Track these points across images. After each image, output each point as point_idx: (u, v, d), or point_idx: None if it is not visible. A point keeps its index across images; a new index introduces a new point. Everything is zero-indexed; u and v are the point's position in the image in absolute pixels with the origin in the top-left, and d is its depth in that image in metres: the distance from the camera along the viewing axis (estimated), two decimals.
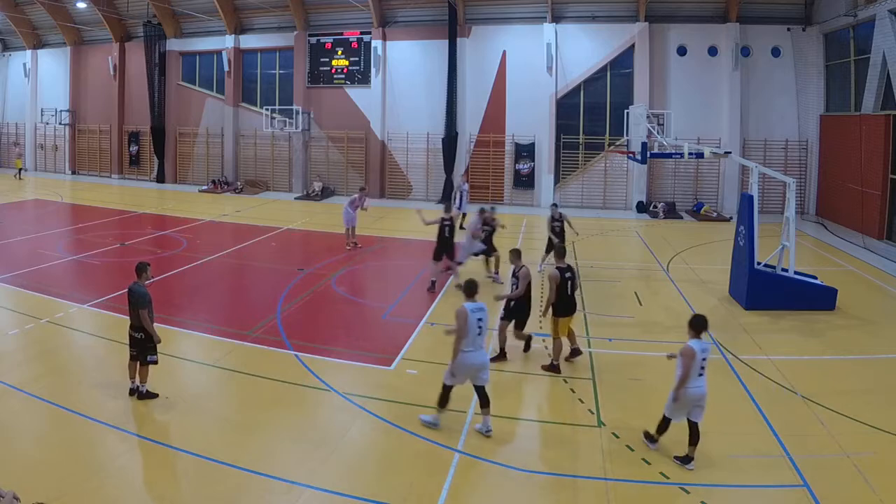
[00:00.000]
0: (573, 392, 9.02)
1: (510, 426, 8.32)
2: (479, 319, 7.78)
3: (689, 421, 7.24)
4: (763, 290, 12.87)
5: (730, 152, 16.39)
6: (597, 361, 10.14)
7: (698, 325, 7.36)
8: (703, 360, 7.17)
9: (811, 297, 12.97)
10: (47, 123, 36.50)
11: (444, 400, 7.93)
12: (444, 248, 14.40)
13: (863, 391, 9.18)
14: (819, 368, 10.10)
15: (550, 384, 9.37)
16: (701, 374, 7.17)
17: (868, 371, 10.10)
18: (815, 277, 13.51)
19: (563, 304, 9.73)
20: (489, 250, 15.23)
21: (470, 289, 8.11)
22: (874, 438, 7.67)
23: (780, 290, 12.92)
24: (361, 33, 29.42)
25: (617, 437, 7.72)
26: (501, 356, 10.13)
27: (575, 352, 10.25)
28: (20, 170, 34.93)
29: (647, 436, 7.60)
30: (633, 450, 7.41)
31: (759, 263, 13.04)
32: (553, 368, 9.74)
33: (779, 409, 8.47)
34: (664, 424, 7.42)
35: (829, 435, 7.76)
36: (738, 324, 12.09)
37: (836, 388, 9.18)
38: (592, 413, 8.37)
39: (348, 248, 18.15)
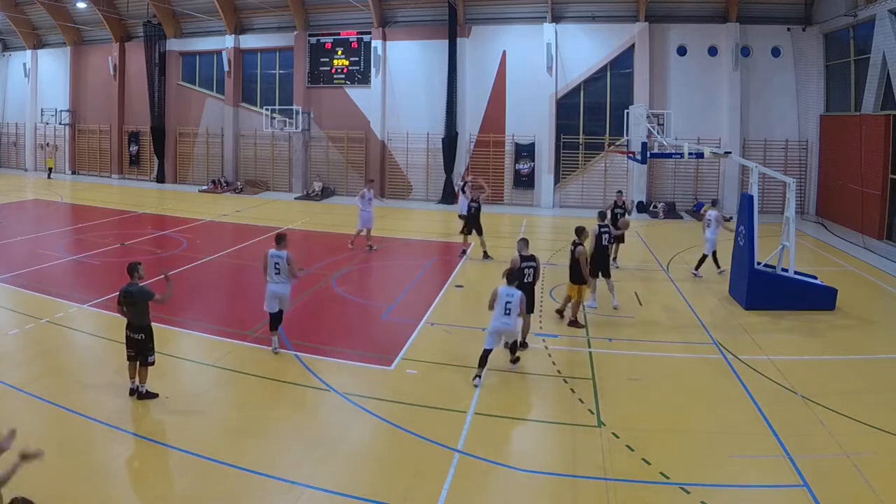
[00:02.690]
0: (573, 392, 8.98)
1: (510, 426, 8.26)
2: (276, 264, 10.19)
3: (505, 343, 9.50)
4: (763, 290, 12.82)
5: (730, 152, 16.34)
6: (597, 361, 10.11)
7: (510, 277, 9.46)
8: (507, 302, 9.10)
9: (811, 298, 12.91)
10: (47, 123, 36.43)
11: (272, 325, 10.28)
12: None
13: (863, 391, 9.14)
14: (819, 368, 10.05)
15: (550, 384, 9.35)
16: (507, 313, 9.10)
17: (868, 371, 10.03)
18: (815, 277, 13.46)
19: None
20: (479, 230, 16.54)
21: (279, 240, 10.39)
22: (874, 438, 7.63)
23: (780, 290, 12.87)
24: (361, 33, 29.39)
25: (617, 437, 7.67)
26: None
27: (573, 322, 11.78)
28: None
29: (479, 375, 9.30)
30: (633, 450, 7.36)
31: (759, 263, 13.00)
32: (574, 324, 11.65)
33: (779, 409, 8.42)
34: (484, 355, 9.20)
35: (829, 435, 7.71)
36: (738, 324, 12.05)
37: (837, 388, 9.14)
38: (592, 413, 8.32)
39: (350, 246, 17.97)
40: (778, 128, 25.25)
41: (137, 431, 7.68)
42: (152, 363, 8.49)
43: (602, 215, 13.24)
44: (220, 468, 6.88)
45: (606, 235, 12.80)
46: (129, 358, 8.48)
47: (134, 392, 8.44)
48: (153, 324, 8.69)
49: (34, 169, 37.78)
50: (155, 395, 8.47)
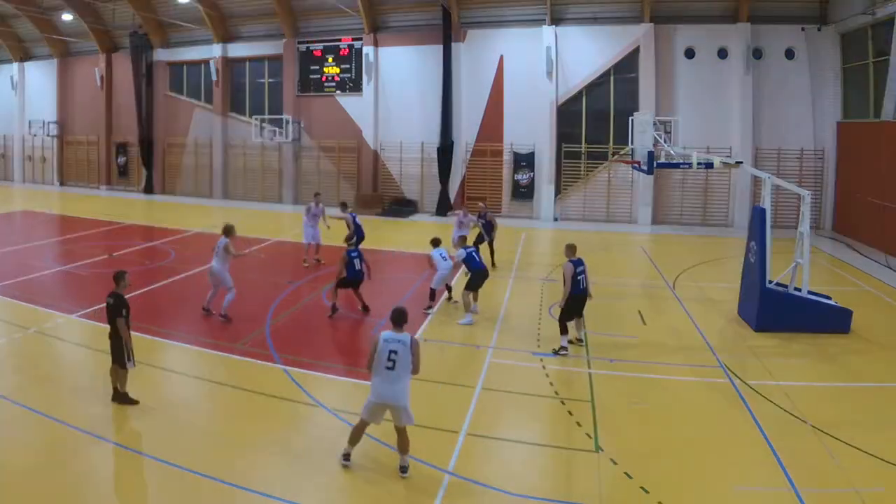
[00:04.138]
0: (570, 414, 8.71)
1: (503, 448, 8.01)
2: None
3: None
4: (774, 310, 12.26)
5: (741, 162, 15.64)
6: (597, 383, 9.83)
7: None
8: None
9: (824, 319, 12.31)
10: (35, 135, 36.43)
11: None
12: None
13: (876, 422, 8.67)
14: (831, 396, 9.62)
15: (547, 405, 9.09)
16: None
17: (883, 401, 9.44)
18: (830, 298, 12.80)
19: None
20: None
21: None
22: (886, 473, 7.22)
23: (792, 310, 12.29)
24: (352, 40, 28.68)
25: (615, 463, 7.40)
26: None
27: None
28: None
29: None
30: (631, 477, 7.09)
31: (770, 282, 12.37)
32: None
33: (787, 438, 8.05)
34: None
35: (839, 468, 7.36)
36: (746, 346, 11.53)
37: (849, 418, 8.75)
38: (590, 437, 8.07)
39: (306, 265, 17.38)
40: (792, 136, 24.13)
41: (123, 443, 7.72)
42: (122, 367, 8.52)
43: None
44: (205, 481, 6.85)
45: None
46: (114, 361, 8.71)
47: (115, 398, 8.54)
48: (143, 335, 9.46)
49: (22, 181, 37.91)
50: (134, 402, 8.49)
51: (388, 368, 6.86)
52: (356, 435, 7.14)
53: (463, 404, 8.89)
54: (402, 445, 7.02)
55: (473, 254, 13.23)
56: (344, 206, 18.08)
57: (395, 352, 6.87)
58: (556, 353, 10.82)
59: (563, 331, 10.96)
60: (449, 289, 14.10)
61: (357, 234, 16.53)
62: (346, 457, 7.13)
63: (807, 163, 24.05)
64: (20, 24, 35.26)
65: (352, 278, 12.48)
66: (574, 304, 10.92)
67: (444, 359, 10.85)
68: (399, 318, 7.09)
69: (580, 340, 11.28)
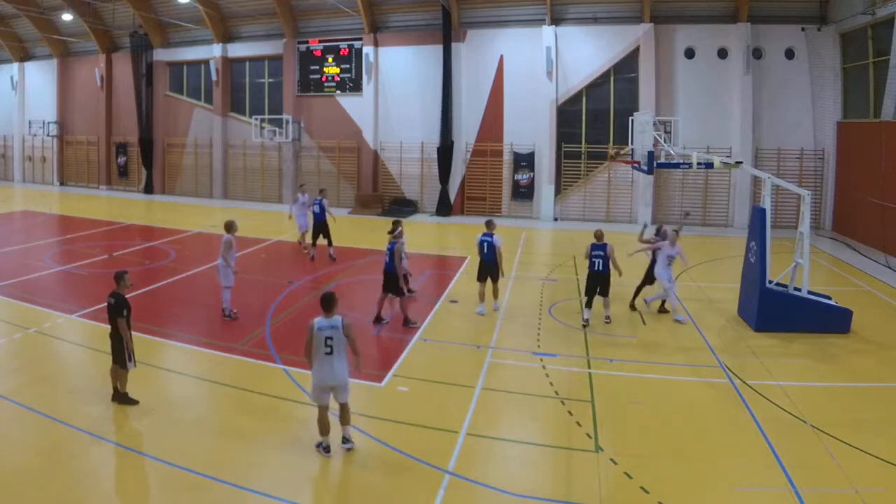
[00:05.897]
0: (571, 414, 8.69)
1: (503, 448, 8.00)
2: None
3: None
4: (774, 310, 12.23)
5: (741, 162, 15.50)
6: (596, 383, 9.82)
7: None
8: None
9: (824, 319, 12.26)
10: (35, 135, 36.35)
11: None
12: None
13: (876, 422, 8.63)
14: (831, 396, 9.61)
15: (547, 405, 9.05)
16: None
17: (883, 401, 9.40)
18: (830, 298, 12.74)
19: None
20: None
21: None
22: (886, 473, 7.22)
23: (792, 310, 12.25)
24: (352, 40, 28.60)
25: (615, 463, 7.39)
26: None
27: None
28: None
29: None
30: (630, 477, 7.09)
31: (770, 282, 12.35)
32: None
33: (787, 438, 8.04)
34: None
35: (839, 468, 7.33)
36: (746, 346, 11.51)
37: (849, 418, 8.71)
38: (590, 437, 8.06)
39: (305, 251, 18.40)
40: (792, 136, 24.01)
41: (123, 442, 7.74)
42: (123, 367, 8.51)
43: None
44: (204, 481, 6.86)
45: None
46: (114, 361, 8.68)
47: (115, 398, 8.53)
48: (143, 335, 9.42)
49: (22, 181, 37.81)
50: (134, 402, 8.49)
51: (327, 354, 7.23)
52: (323, 424, 7.40)
53: (463, 404, 8.88)
54: (345, 418, 7.49)
55: (486, 240, 13.01)
56: (321, 192, 19.39)
57: (331, 337, 7.23)
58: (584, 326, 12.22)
59: (587, 304, 12.32)
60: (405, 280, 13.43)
61: (316, 219, 17.87)
62: (327, 449, 7.39)
63: (807, 163, 23.91)
64: (20, 24, 35.13)
65: (384, 271, 12.56)
66: (588, 280, 12.35)
67: (444, 359, 10.81)
68: (325, 304, 7.35)
69: (586, 322, 12.25)
